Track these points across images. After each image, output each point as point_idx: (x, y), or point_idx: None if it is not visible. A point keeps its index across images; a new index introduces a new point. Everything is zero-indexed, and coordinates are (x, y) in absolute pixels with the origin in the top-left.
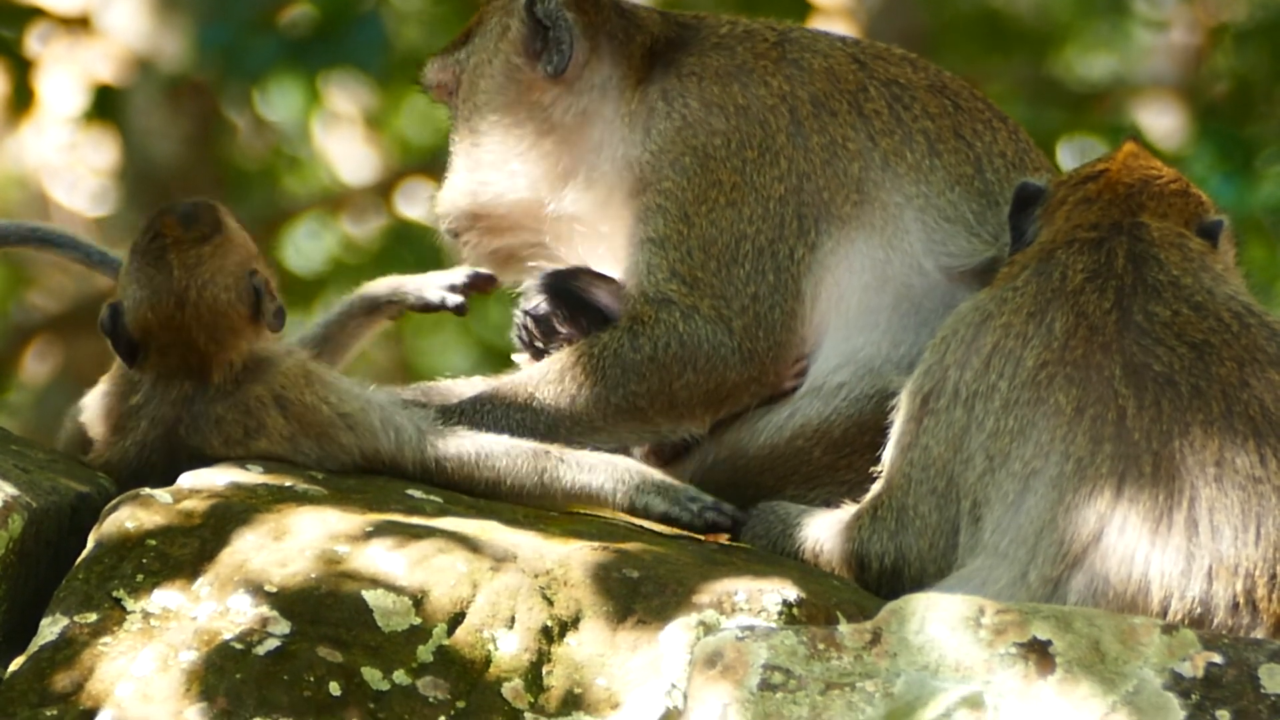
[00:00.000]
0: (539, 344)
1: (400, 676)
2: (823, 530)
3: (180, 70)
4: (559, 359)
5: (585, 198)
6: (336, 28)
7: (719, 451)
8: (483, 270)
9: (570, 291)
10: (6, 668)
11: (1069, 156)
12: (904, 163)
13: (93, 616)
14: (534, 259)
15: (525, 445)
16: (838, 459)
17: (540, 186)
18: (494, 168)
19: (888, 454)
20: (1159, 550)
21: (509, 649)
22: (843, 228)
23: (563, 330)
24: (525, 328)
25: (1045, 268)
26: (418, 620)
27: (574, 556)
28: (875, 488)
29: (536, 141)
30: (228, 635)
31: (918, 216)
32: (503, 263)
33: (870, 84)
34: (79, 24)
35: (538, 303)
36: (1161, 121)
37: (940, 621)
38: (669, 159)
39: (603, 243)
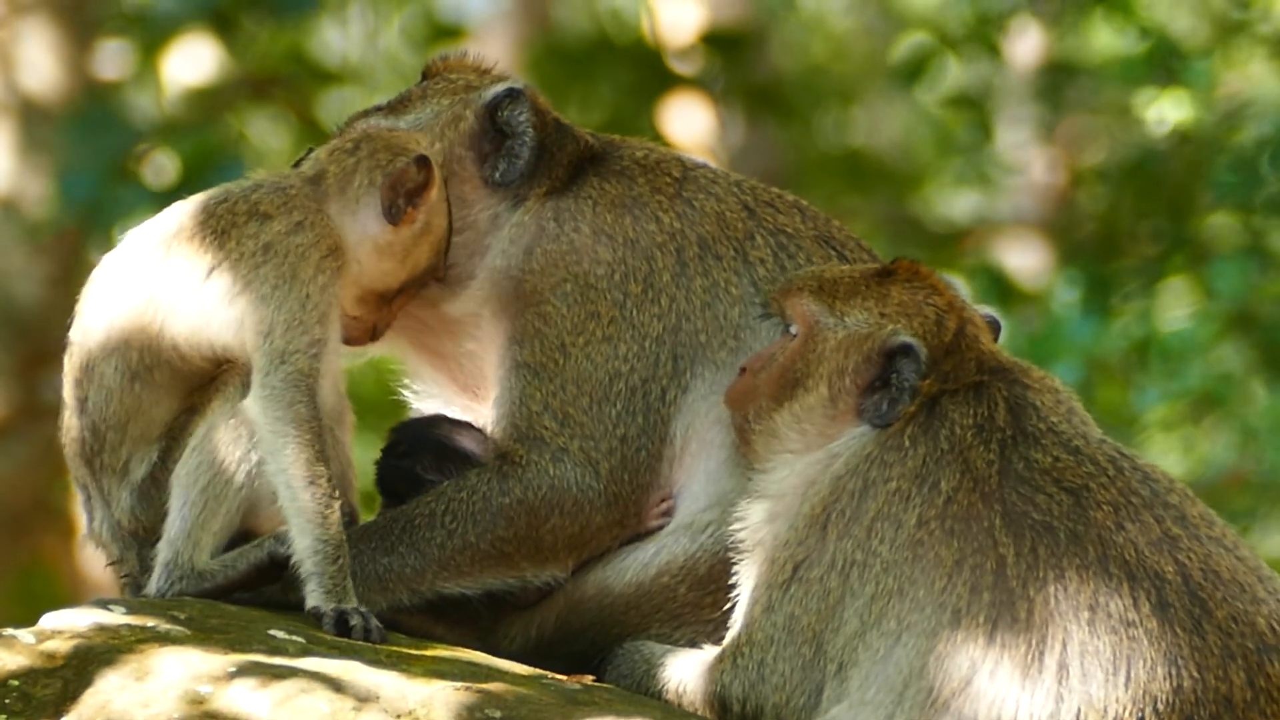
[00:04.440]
0: (403, 491)
1: None
2: (685, 671)
3: (45, 218)
4: (427, 504)
5: (462, 304)
6: (199, 173)
7: (585, 590)
8: None
9: (434, 439)
10: None
11: None
12: None
13: None
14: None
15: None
16: (703, 596)
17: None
18: None
19: (745, 605)
20: (1029, 693)
21: None
22: (716, 372)
23: (428, 478)
24: (388, 477)
25: (929, 423)
26: None
27: (436, 696)
28: (734, 632)
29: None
30: None
31: None
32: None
33: (758, 232)
34: None
35: (401, 451)
36: (1025, 259)
37: None
38: (550, 283)
39: (474, 358)
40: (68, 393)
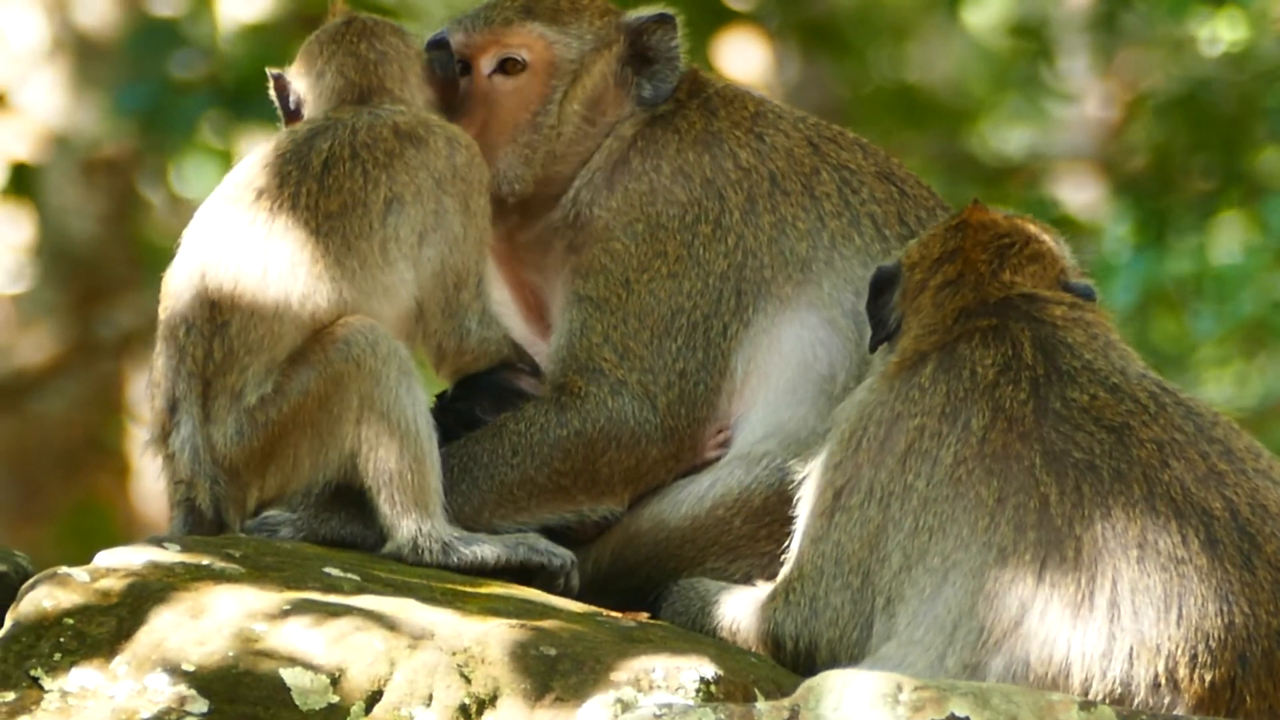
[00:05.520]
0: (461, 435)
1: None
2: (740, 608)
3: (100, 138)
4: (484, 438)
5: (535, 232)
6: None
7: (640, 524)
8: None
9: (492, 381)
10: None
11: None
12: (851, 245)
13: (10, 696)
14: None
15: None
16: (758, 529)
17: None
18: (563, 160)
19: (797, 540)
20: (1080, 633)
21: None
22: (780, 306)
23: (487, 420)
24: (447, 420)
25: (950, 363)
26: (335, 698)
27: (492, 634)
28: (786, 569)
29: (582, 151)
30: (145, 714)
31: (856, 302)
32: None
33: (823, 168)
34: None
35: (459, 394)
36: (1079, 195)
37: (858, 698)
38: (623, 222)
39: (539, 289)
40: (195, 315)
